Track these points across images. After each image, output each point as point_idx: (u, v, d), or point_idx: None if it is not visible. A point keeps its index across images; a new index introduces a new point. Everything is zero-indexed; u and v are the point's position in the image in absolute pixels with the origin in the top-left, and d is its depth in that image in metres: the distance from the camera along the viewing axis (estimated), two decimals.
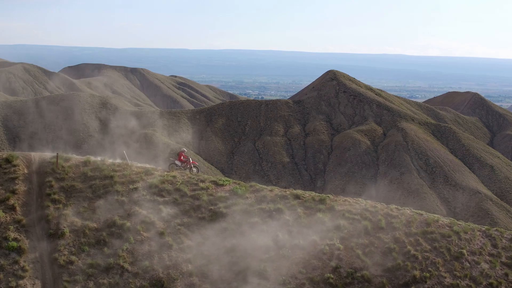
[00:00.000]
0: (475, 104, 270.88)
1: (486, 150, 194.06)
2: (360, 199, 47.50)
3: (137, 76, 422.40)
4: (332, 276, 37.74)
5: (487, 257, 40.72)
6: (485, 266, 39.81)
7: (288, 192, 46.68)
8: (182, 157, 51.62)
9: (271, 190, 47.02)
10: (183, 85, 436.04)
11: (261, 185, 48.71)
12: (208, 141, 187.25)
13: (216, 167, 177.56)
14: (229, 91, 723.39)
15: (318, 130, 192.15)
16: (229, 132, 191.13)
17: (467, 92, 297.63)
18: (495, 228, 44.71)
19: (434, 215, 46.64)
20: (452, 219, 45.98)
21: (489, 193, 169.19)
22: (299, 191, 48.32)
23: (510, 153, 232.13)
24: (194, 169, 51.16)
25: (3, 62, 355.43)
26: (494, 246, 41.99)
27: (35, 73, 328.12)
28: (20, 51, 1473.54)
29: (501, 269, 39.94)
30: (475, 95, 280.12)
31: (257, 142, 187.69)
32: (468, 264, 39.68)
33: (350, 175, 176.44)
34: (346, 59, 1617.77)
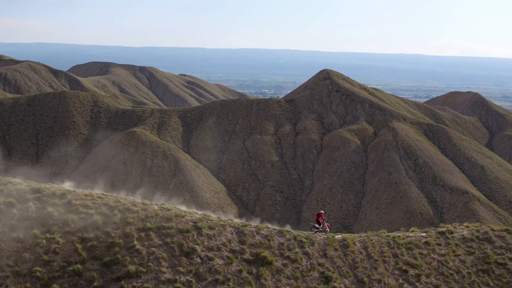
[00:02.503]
0: (475, 104, 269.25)
1: (478, 150, 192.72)
2: (109, 194, 46.79)
3: (145, 74, 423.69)
4: (40, 269, 37.29)
5: (226, 254, 40.45)
6: (219, 262, 39.35)
7: (31, 187, 46.20)
8: (320, 219, 52.75)
9: (15, 185, 46.61)
10: (192, 83, 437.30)
11: (10, 179, 48.28)
12: (198, 139, 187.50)
13: (204, 166, 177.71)
14: (245, 90, 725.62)
15: (309, 129, 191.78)
16: (219, 130, 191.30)
17: (468, 92, 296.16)
18: (255, 225, 44.29)
19: (184, 210, 46.01)
20: (208, 214, 45.61)
21: (477, 193, 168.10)
22: (44, 185, 47.32)
23: (508, 153, 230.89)
24: (327, 229, 51.96)
25: (9, 60, 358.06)
26: (242, 242, 41.74)
27: (41, 71, 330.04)
28: (38, 50, 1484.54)
29: (237, 266, 39.58)
30: (476, 95, 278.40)
31: (246, 141, 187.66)
32: (199, 260, 39.32)
33: (339, 174, 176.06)
34: (364, 59, 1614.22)
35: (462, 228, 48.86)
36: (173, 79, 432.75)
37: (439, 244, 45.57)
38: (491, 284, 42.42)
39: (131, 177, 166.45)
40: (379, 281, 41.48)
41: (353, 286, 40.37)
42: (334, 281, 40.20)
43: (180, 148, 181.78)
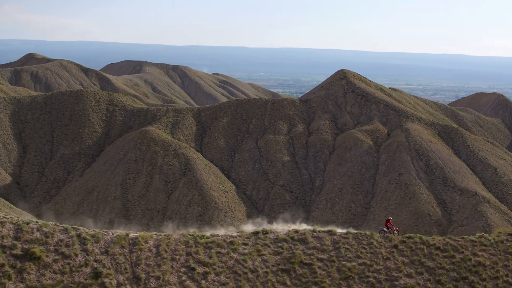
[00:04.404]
0: (498, 106, 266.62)
1: (493, 152, 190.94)
2: None
3: (178, 73, 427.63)
4: None
5: None
6: None
7: None
8: (388, 224, 55.87)
9: None
10: (225, 83, 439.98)
11: None
12: (211, 138, 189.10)
13: (215, 165, 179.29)
14: (285, 90, 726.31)
15: (322, 129, 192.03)
16: (232, 130, 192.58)
17: (493, 93, 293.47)
18: (40, 223, 44.84)
19: None
20: None
21: (488, 195, 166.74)
22: None
23: None
24: (396, 232, 54.88)
25: (42, 58, 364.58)
26: (16, 238, 42.19)
27: (72, 70, 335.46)
28: (81, 48, 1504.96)
29: (2, 260, 40.31)
30: (499, 97, 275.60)
31: (259, 141, 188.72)
32: None
33: (349, 174, 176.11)
34: (407, 59, 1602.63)
35: (282, 229, 49.27)
36: (206, 78, 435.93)
37: (245, 244, 46.08)
38: (288, 283, 42.82)
39: (141, 175, 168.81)
40: (158, 277, 42.12)
41: (126, 282, 41.27)
42: (105, 277, 40.95)
43: (193, 147, 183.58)
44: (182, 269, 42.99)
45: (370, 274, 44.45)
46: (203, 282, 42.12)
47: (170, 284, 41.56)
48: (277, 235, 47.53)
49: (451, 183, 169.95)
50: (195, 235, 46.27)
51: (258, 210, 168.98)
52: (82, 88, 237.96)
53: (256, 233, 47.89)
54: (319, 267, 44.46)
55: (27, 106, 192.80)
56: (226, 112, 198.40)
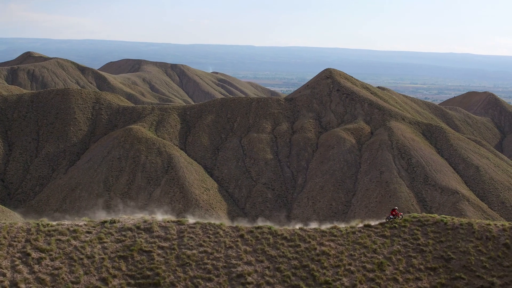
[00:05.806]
0: (488, 105, 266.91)
1: (476, 150, 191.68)
2: None
3: (177, 72, 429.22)
4: None
5: None
6: None
7: None
8: (394, 212, 58.98)
9: None
10: (223, 81, 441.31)
11: None
12: (195, 137, 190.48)
13: (199, 163, 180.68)
14: (289, 89, 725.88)
15: (306, 128, 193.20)
16: (217, 128, 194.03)
17: (484, 92, 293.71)
18: None
19: None
20: None
21: (468, 193, 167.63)
22: None
23: None
24: (399, 219, 57.97)
25: (39, 57, 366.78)
26: None
27: (68, 68, 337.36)
28: (88, 46, 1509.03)
29: None
30: (490, 96, 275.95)
31: (243, 139, 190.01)
32: None
33: (331, 173, 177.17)
34: (413, 58, 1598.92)
35: (132, 219, 50.68)
36: (204, 77, 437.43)
37: (89, 232, 47.70)
38: (123, 268, 44.40)
39: (124, 173, 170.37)
40: None
41: None
42: None
43: (177, 145, 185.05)
44: (17, 255, 44.69)
45: (208, 261, 46.17)
46: (36, 266, 43.82)
47: (1, 268, 43.27)
48: (124, 224, 49.21)
49: (432, 181, 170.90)
50: (39, 224, 48.02)
51: (240, 207, 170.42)
52: (69, 87, 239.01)
53: (103, 222, 49.58)
54: (158, 255, 46.28)
55: (13, 105, 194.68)
56: (211, 111, 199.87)
